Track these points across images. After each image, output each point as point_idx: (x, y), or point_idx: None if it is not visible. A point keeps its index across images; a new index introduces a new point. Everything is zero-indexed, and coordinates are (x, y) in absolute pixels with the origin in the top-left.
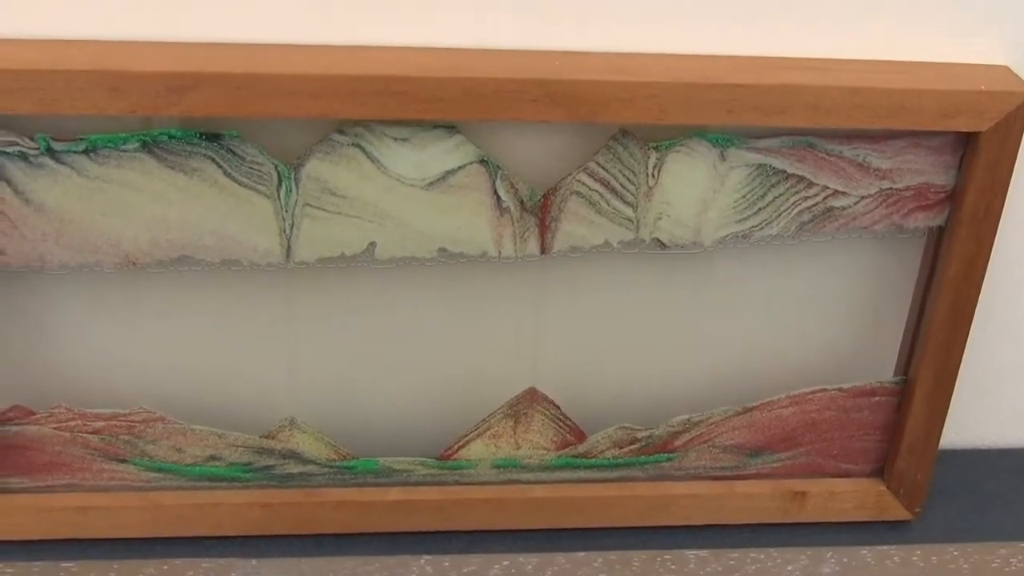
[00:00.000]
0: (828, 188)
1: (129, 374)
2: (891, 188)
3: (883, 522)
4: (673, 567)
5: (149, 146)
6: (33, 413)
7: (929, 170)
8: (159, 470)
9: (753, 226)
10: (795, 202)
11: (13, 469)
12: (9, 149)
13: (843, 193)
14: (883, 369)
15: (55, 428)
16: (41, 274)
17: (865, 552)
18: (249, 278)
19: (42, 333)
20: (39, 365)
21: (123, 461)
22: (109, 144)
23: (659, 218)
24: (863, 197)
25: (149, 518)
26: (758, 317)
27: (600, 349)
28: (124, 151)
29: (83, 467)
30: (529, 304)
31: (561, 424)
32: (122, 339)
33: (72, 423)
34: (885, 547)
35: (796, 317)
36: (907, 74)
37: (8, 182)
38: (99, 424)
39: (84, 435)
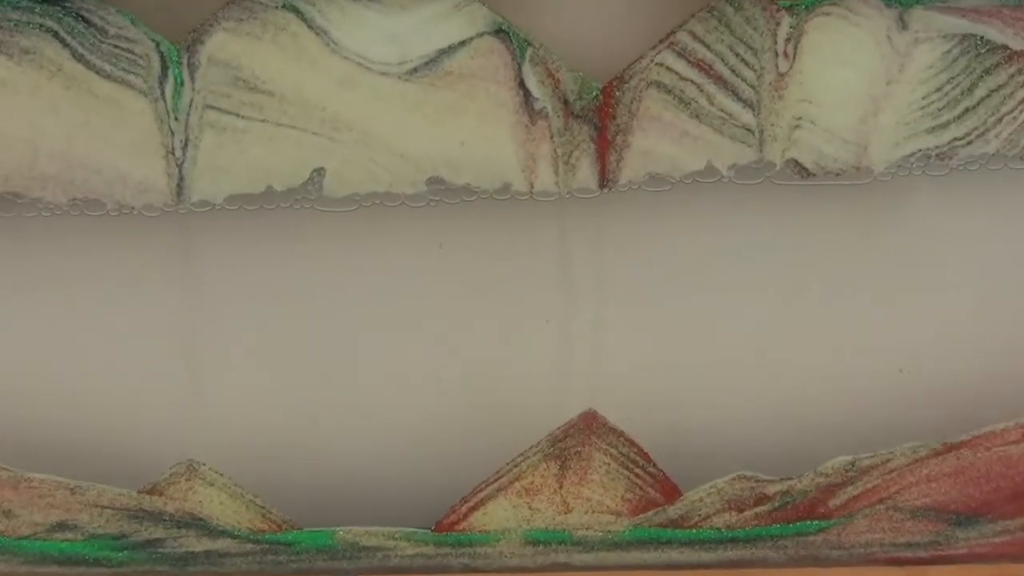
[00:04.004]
0: None
1: None
2: None
3: None
4: None
5: None
6: None
7: None
8: None
9: (955, 139)
10: None
11: None
12: None
13: None
14: None
15: None
16: None
17: None
18: (118, 231)
19: None
20: None
21: None
22: None
23: (797, 126)
24: None
25: None
26: (965, 294)
27: (698, 348)
28: None
29: None
30: (583, 273)
31: (638, 471)
32: None
33: None
34: None
35: None
36: None
37: None
38: None
39: None
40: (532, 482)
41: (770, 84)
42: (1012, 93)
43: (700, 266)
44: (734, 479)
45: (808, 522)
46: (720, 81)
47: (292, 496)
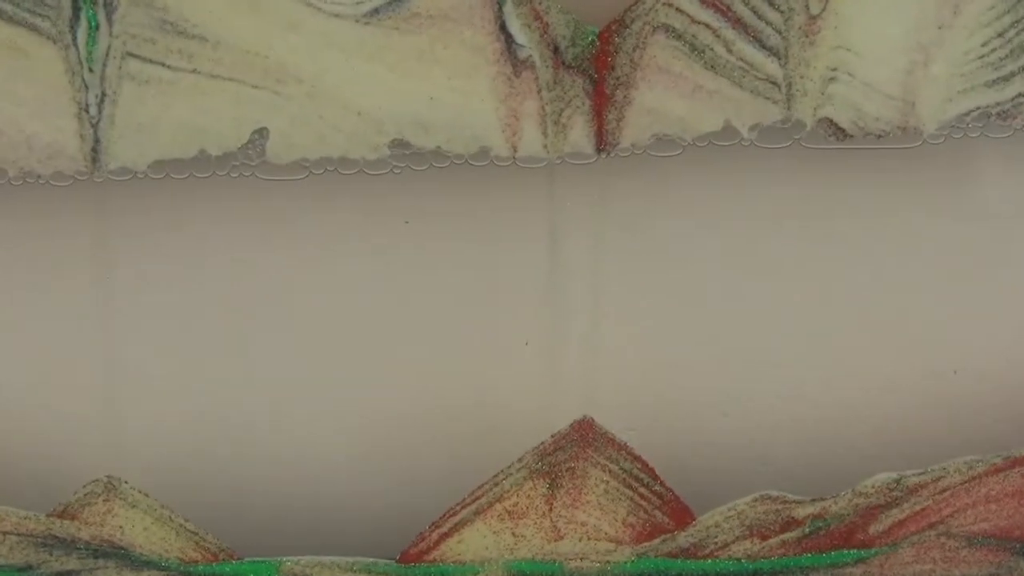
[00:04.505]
0: None
1: None
2: None
3: None
4: None
5: None
6: None
7: None
8: None
9: (1020, 94)
10: None
11: None
12: None
13: None
14: None
15: None
16: None
17: None
18: (22, 205)
19: None
20: None
21: None
22: None
23: (832, 79)
24: None
25: None
26: None
27: (714, 344)
28: None
29: None
30: (576, 254)
31: (642, 490)
32: None
33: None
34: None
35: None
36: None
37: None
38: None
39: None
40: (516, 503)
41: (799, 28)
42: None
43: (716, 246)
44: (757, 500)
45: (845, 551)
46: (740, 25)
47: (230, 520)
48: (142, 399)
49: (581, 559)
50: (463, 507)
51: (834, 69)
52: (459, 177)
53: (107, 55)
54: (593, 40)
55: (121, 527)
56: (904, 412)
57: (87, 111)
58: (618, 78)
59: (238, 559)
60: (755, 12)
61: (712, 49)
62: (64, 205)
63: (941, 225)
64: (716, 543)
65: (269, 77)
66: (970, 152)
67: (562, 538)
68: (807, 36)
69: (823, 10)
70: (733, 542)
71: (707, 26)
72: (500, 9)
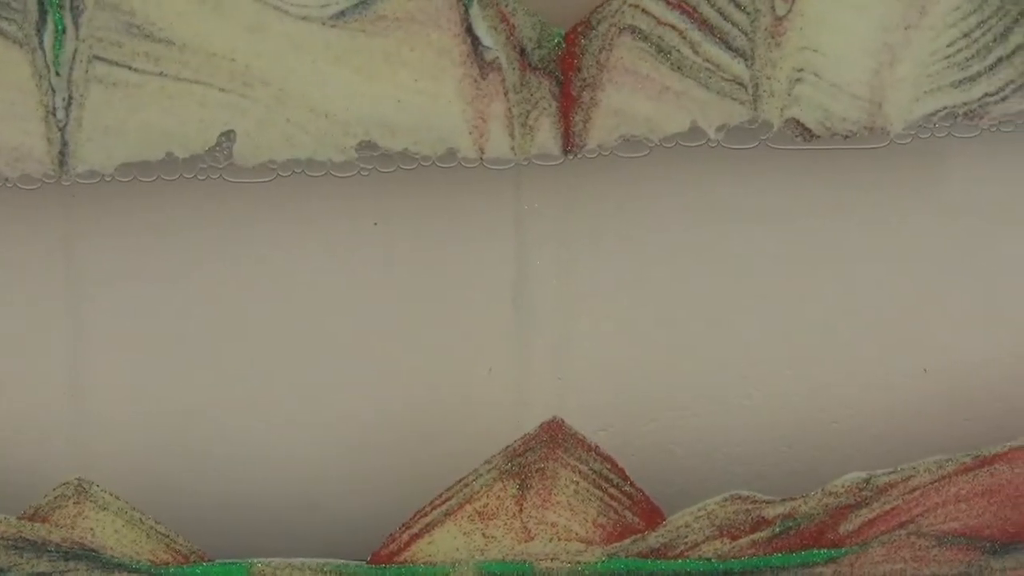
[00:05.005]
0: None
1: None
2: None
3: None
4: None
5: None
6: None
7: None
8: None
9: (986, 94)
10: None
11: None
12: None
13: None
14: None
15: None
16: None
17: None
18: None
19: None
20: None
21: None
22: None
23: (798, 79)
24: None
25: None
26: (1000, 280)
27: (683, 345)
28: None
29: None
30: (544, 255)
31: (612, 490)
32: None
33: None
34: None
35: None
36: None
37: None
38: None
39: None
40: (486, 504)
41: (766, 29)
42: None
43: (683, 247)
44: (727, 500)
45: (815, 551)
46: (706, 26)
47: (200, 522)
48: (111, 401)
49: (551, 560)
50: (433, 508)
51: (800, 70)
52: (426, 179)
53: (74, 58)
54: (559, 42)
55: (92, 529)
56: (874, 411)
57: (54, 114)
58: (585, 80)
59: (209, 561)
60: (721, 13)
61: (679, 50)
62: (32, 208)
63: (909, 225)
64: (686, 543)
65: (236, 80)
66: (937, 152)
67: (532, 539)
68: (773, 37)
69: (789, 11)
70: (703, 542)
71: (673, 27)
72: (466, 11)
